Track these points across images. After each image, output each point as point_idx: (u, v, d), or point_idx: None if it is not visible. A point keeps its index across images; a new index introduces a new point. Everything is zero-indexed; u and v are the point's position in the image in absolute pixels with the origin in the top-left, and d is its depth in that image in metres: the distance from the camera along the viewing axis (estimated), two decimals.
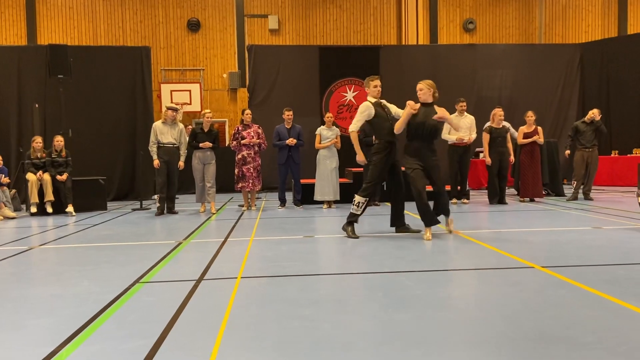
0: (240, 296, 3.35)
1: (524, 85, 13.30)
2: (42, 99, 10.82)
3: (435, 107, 5.57)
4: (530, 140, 9.03)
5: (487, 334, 2.56)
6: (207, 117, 8.59)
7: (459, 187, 9.17)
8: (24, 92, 10.96)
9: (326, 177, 8.77)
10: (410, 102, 5.50)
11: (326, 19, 17.00)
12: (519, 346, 2.40)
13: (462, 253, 4.68)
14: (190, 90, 15.54)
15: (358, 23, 17.10)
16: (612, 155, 12.50)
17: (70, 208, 8.64)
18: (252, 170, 8.55)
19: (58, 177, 8.72)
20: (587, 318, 2.76)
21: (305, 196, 9.21)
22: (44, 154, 8.86)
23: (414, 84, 5.71)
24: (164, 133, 8.34)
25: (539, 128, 9.12)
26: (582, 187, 9.15)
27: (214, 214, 8.28)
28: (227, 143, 14.65)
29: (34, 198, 8.53)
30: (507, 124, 9.23)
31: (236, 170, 8.61)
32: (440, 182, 5.55)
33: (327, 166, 8.76)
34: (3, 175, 9.03)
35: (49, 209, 8.62)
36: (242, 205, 9.00)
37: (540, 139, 9.03)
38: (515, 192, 9.96)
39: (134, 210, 9.23)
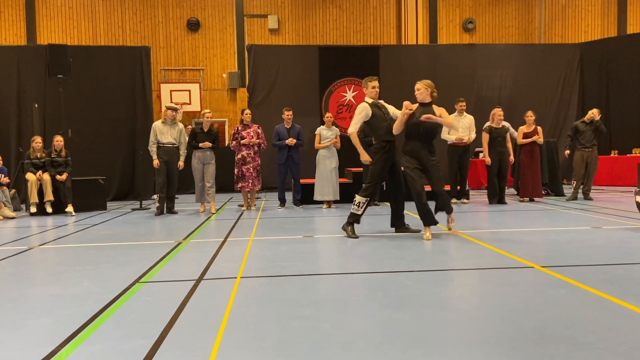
0: (240, 296, 3.35)
1: (524, 85, 13.31)
2: (41, 99, 10.82)
3: (434, 106, 5.56)
4: (530, 140, 9.03)
5: (487, 334, 2.56)
6: (207, 117, 8.59)
7: (458, 187, 9.17)
8: (23, 92, 10.95)
9: (326, 177, 8.77)
10: (406, 103, 5.49)
11: (326, 19, 17.00)
12: (519, 346, 2.40)
13: (461, 253, 4.68)
14: (189, 90, 15.53)
15: (358, 23, 17.10)
16: (612, 155, 12.51)
17: (69, 208, 8.64)
18: (251, 170, 8.55)
19: (58, 177, 8.72)
20: (587, 318, 2.76)
21: (305, 196, 9.21)
22: (43, 154, 8.86)
23: (414, 83, 5.70)
24: (163, 133, 8.34)
25: (539, 128, 9.12)
26: (581, 187, 9.16)
27: (213, 213, 8.28)
28: (226, 143, 14.64)
29: (34, 198, 8.53)
30: (506, 124, 9.23)
31: (236, 170, 8.61)
32: (439, 182, 5.51)
33: (326, 166, 8.76)
34: (3, 175, 9.03)
35: (49, 209, 8.62)
36: (242, 205, 9.00)
37: (540, 138, 9.03)
38: (515, 192, 9.96)
39: (133, 210, 9.23)
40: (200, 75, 16.55)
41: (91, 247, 5.37)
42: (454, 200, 9.11)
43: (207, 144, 8.39)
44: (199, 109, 15.30)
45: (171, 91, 15.34)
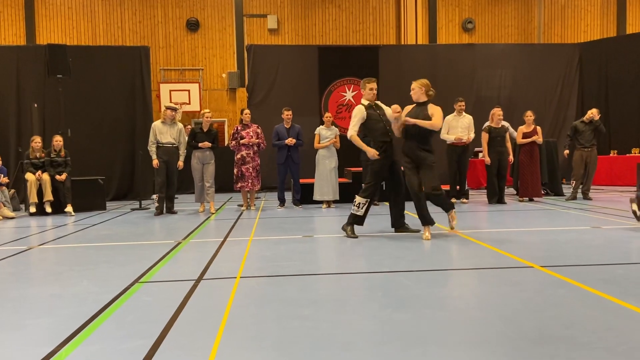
0: (240, 296, 3.35)
1: (523, 85, 13.30)
2: (41, 99, 10.81)
3: (430, 105, 5.49)
4: (529, 140, 9.04)
5: (486, 334, 2.56)
6: (207, 117, 8.59)
7: (458, 187, 9.18)
8: (23, 92, 10.94)
9: (325, 177, 8.77)
10: (393, 107, 5.51)
11: (325, 19, 17.00)
12: (519, 346, 2.40)
13: (461, 253, 4.68)
14: (189, 90, 15.53)
15: (357, 23, 17.10)
16: (611, 154, 12.51)
17: (69, 208, 8.63)
18: (251, 170, 8.55)
19: (57, 177, 8.72)
20: (586, 318, 2.76)
21: (305, 196, 9.21)
22: (43, 154, 8.85)
23: None
24: (163, 133, 8.34)
25: (538, 128, 9.12)
26: (581, 186, 9.16)
27: (213, 213, 8.28)
28: (226, 143, 14.64)
29: (33, 198, 8.52)
30: (506, 124, 9.23)
31: (235, 170, 8.61)
32: (428, 182, 5.37)
33: (326, 166, 8.76)
34: (2, 175, 9.03)
35: (48, 209, 8.61)
36: (241, 205, 8.99)
37: (539, 138, 9.03)
38: (515, 192, 9.97)
39: (133, 210, 9.23)
40: (200, 75, 16.54)
41: (90, 247, 5.37)
42: (453, 200, 9.11)
43: (207, 143, 8.38)
44: (199, 109, 15.29)
45: (170, 91, 15.34)
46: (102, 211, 9.16)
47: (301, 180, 9.19)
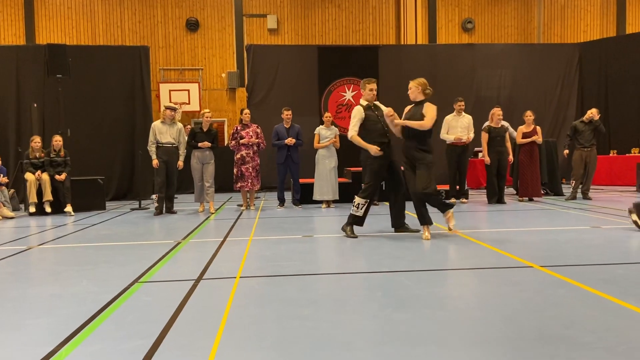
0: (239, 296, 3.35)
1: (523, 85, 13.30)
2: (40, 99, 10.80)
3: (426, 104, 5.46)
4: (529, 140, 9.04)
5: (486, 334, 2.56)
6: (207, 117, 8.58)
7: (457, 187, 9.17)
8: (22, 91, 10.94)
9: (325, 177, 8.77)
10: (386, 111, 5.51)
11: (325, 19, 16.99)
12: (519, 346, 2.40)
13: (461, 253, 4.68)
14: (189, 90, 15.53)
15: (357, 23, 17.10)
16: (611, 154, 12.51)
17: (68, 208, 8.63)
18: (250, 170, 8.55)
19: (57, 176, 8.71)
20: (586, 317, 2.76)
21: (304, 196, 9.21)
22: (42, 154, 8.85)
23: None
24: (162, 133, 8.34)
25: (538, 127, 9.13)
26: (580, 186, 9.16)
27: (212, 213, 8.28)
28: (225, 143, 14.64)
29: (33, 198, 8.51)
30: (505, 124, 9.23)
31: (235, 170, 8.61)
32: (420, 182, 5.33)
33: (326, 166, 8.76)
34: (2, 175, 9.02)
35: (48, 209, 8.61)
36: (241, 205, 8.99)
37: (539, 138, 9.03)
38: (514, 192, 9.97)
39: (132, 210, 9.23)
40: (200, 75, 16.54)
41: (90, 247, 5.37)
42: (452, 200, 9.11)
43: (206, 143, 8.38)
44: (198, 109, 15.29)
45: (170, 91, 15.34)
46: (102, 211, 9.16)
47: (301, 180, 9.19)
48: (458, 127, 8.97)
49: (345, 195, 9.03)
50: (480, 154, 10.61)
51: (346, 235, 5.65)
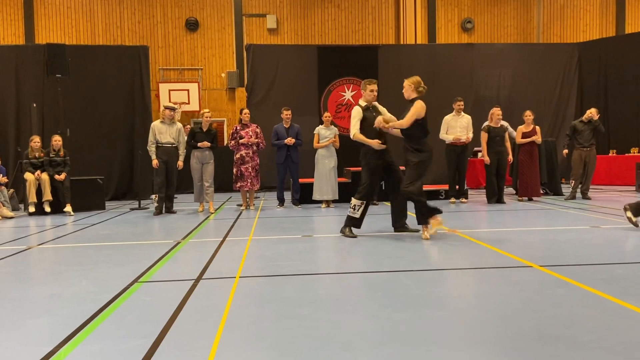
0: (239, 296, 3.35)
1: (522, 85, 13.31)
2: (40, 99, 10.78)
3: (416, 102, 5.36)
4: (528, 139, 9.04)
5: (486, 334, 2.56)
6: (206, 117, 8.58)
7: (457, 187, 9.18)
8: (22, 91, 10.92)
9: (324, 177, 8.77)
10: (378, 120, 5.53)
11: (324, 19, 16.99)
12: (519, 346, 2.40)
13: (460, 252, 4.68)
14: (188, 90, 15.52)
15: (356, 22, 17.10)
16: (610, 154, 12.51)
17: (68, 208, 8.63)
18: (250, 170, 8.54)
19: (56, 176, 8.71)
20: (585, 317, 2.76)
21: (304, 195, 9.21)
22: (42, 154, 8.84)
23: None
24: (162, 133, 8.33)
25: (537, 127, 9.13)
26: (580, 186, 9.16)
27: (212, 213, 8.28)
28: (225, 142, 14.64)
29: (32, 198, 8.51)
30: (505, 124, 9.24)
31: (234, 170, 8.61)
32: (404, 182, 5.35)
33: (325, 165, 8.76)
34: (1, 175, 9.02)
35: (47, 209, 8.60)
36: (241, 205, 8.99)
37: (538, 138, 9.04)
38: (514, 192, 9.97)
39: (132, 209, 9.22)
40: (199, 75, 16.53)
41: (90, 247, 5.37)
42: (452, 199, 9.12)
43: (206, 143, 8.38)
44: (198, 109, 15.29)
45: (170, 91, 15.34)
46: (101, 211, 9.16)
47: (300, 180, 9.19)
48: (457, 127, 8.97)
49: (344, 195, 9.02)
50: (479, 154, 10.62)
51: (345, 235, 5.65)
